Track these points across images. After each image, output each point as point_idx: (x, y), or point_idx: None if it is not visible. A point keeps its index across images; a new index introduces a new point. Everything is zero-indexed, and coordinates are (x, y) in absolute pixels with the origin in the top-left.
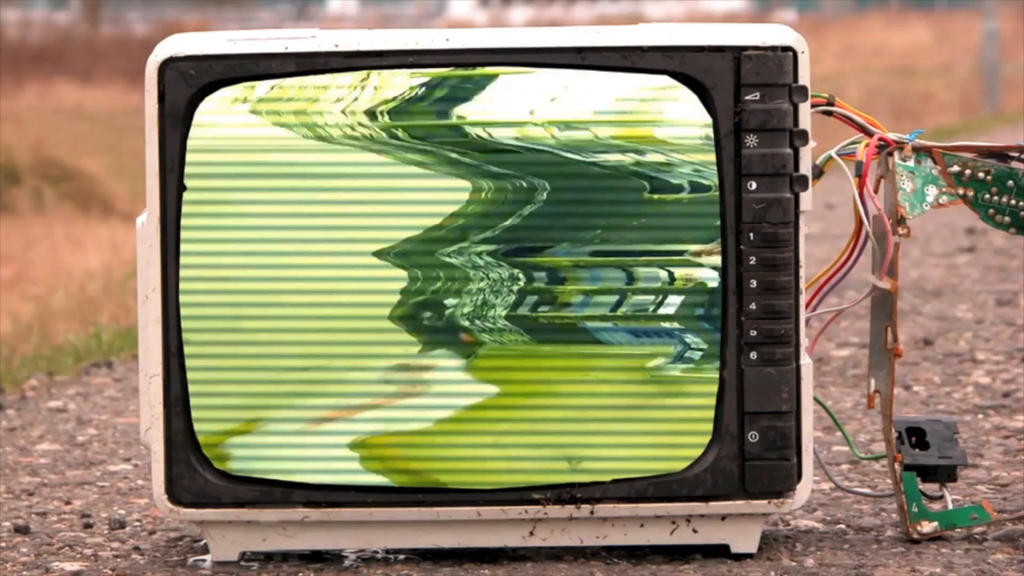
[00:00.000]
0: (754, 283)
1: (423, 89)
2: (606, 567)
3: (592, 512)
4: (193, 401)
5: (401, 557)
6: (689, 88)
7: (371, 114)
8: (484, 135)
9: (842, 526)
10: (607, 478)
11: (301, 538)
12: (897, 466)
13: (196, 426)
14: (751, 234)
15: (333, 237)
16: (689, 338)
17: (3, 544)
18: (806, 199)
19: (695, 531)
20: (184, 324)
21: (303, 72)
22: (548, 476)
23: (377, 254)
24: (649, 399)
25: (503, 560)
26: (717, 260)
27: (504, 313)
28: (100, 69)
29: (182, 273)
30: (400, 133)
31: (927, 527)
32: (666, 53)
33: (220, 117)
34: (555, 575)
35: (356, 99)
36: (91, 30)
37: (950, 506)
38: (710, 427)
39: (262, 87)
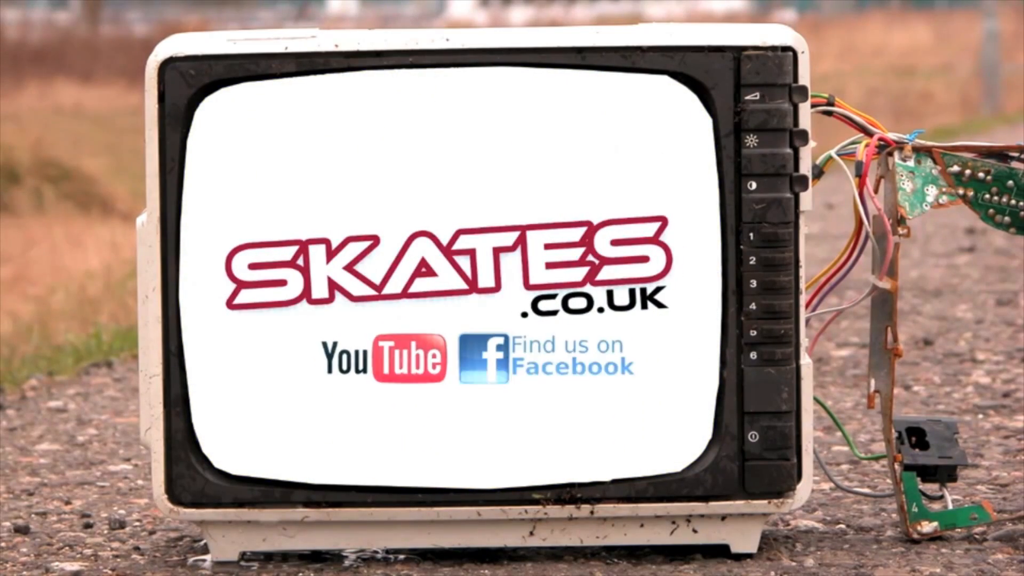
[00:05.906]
0: (754, 283)
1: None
2: (606, 567)
3: (592, 512)
4: (193, 401)
5: (401, 557)
6: (689, 88)
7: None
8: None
9: (842, 526)
10: (607, 478)
11: (301, 538)
12: (897, 466)
13: (196, 426)
14: (751, 234)
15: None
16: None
17: (3, 544)
18: (806, 199)
19: (695, 531)
20: (184, 324)
21: (304, 72)
22: (548, 476)
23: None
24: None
25: (503, 560)
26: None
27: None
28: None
29: (182, 273)
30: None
31: (927, 527)
32: (666, 53)
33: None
34: (555, 575)
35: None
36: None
37: (950, 506)
38: (710, 427)
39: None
